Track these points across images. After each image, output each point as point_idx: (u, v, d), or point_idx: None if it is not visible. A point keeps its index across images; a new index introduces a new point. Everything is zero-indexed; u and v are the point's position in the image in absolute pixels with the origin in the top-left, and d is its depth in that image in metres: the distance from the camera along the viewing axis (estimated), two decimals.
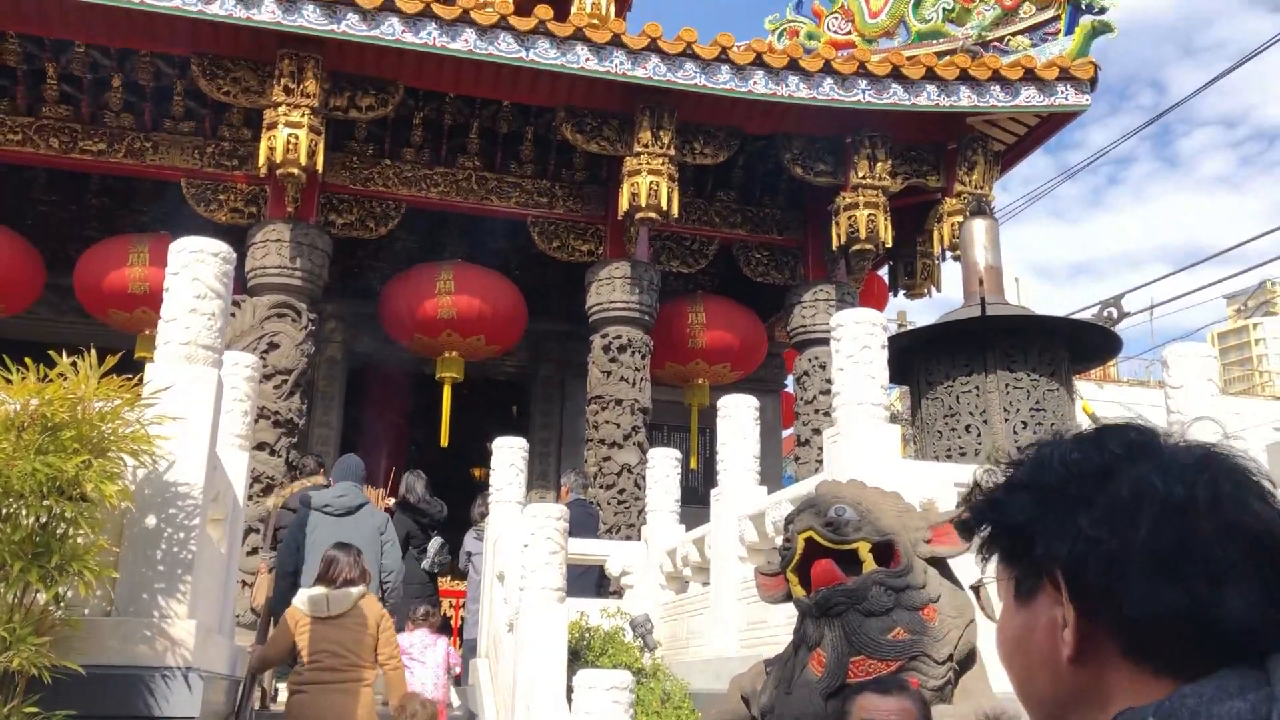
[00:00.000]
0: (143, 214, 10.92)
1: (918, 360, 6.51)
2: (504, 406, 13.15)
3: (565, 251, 10.47)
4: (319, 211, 9.72)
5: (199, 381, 4.82)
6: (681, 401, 11.50)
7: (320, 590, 5.67)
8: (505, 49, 8.94)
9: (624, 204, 9.53)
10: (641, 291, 10.03)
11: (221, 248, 5.12)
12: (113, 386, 4.45)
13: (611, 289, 10.04)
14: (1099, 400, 20.96)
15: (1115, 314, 12.95)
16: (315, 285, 9.48)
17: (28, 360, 4.44)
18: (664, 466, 8.01)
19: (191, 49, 9.06)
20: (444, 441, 10.37)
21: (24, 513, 4.22)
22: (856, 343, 5.27)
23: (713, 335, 10.94)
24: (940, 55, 9.77)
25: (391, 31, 8.79)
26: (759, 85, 9.37)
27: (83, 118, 9.68)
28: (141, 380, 4.78)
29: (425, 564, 8.64)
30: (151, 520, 4.68)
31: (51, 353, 4.45)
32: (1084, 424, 1.06)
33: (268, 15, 8.57)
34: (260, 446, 8.63)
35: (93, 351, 4.45)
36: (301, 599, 5.74)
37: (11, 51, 9.15)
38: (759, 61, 9.35)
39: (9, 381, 4.27)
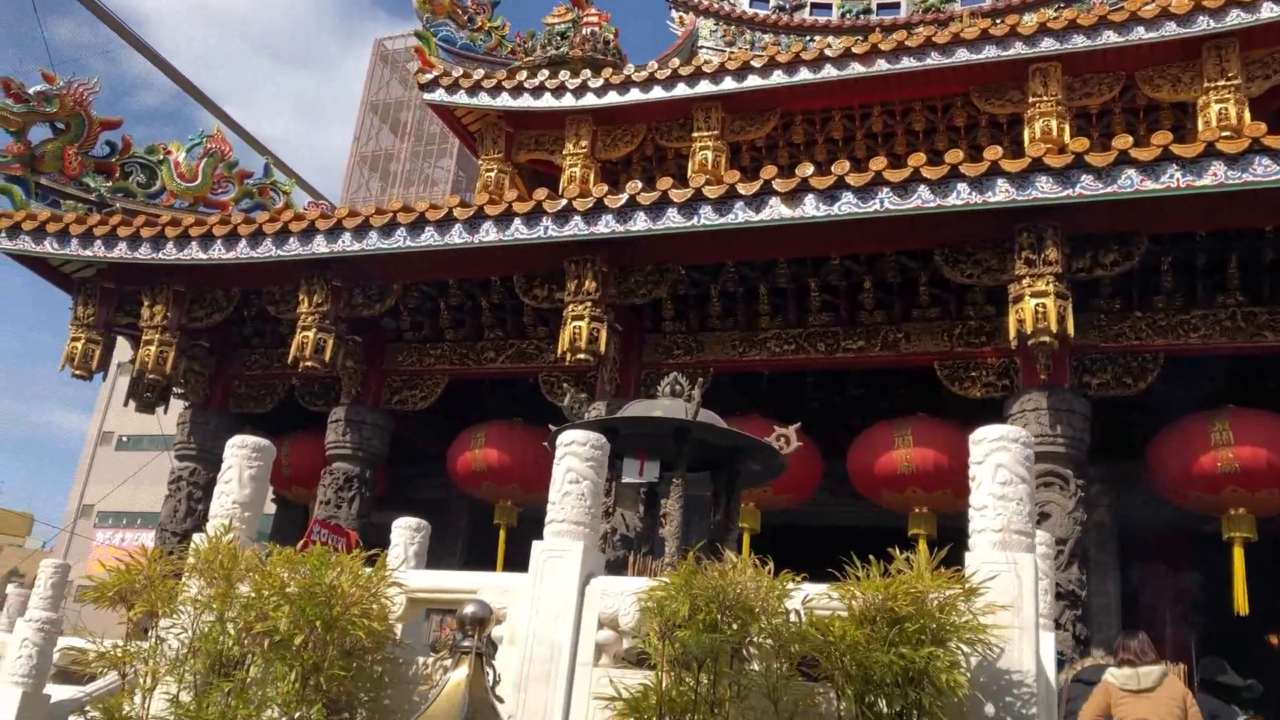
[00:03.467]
0: (898, 398, 11.70)
1: None
2: None
3: None
4: (1071, 375, 9.57)
5: (1019, 567, 4.87)
6: None
7: (1128, 669, 6.67)
8: (1263, 172, 8.20)
9: None
10: None
11: (1020, 434, 5.22)
12: (942, 579, 4.68)
13: None
14: None
15: None
16: (1079, 450, 9.26)
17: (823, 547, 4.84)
18: None
19: (932, 242, 9.68)
20: (1242, 608, 9.27)
21: (881, 702, 4.54)
22: None
23: None
24: None
25: (1129, 184, 8.56)
26: None
27: (842, 320, 10.76)
28: (951, 567, 4.95)
29: None
30: (990, 709, 4.75)
31: (891, 549, 4.83)
32: None
33: (1002, 195, 8.87)
34: None
35: (924, 545, 4.75)
36: (1112, 675, 6.72)
37: (782, 274, 10.56)
38: None
39: (858, 579, 4.70)
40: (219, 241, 11.35)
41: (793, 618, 4.87)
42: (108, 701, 5.97)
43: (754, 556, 5.19)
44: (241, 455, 6.86)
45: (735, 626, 4.91)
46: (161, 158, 12.97)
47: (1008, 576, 4.86)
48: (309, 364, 11.29)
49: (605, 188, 10.35)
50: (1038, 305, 8.83)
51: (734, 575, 4.93)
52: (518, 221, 10.36)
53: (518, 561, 8.14)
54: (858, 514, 11.70)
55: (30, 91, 12.03)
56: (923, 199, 9.09)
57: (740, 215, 9.64)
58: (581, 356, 10.35)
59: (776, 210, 9.53)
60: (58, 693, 9.82)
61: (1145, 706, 6.57)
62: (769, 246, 10.21)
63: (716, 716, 4.79)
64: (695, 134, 13.54)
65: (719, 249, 10.32)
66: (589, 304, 10.39)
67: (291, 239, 11.09)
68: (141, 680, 5.81)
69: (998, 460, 5.13)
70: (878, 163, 9.33)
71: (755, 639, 5.02)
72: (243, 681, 5.52)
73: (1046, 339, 8.81)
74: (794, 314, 10.96)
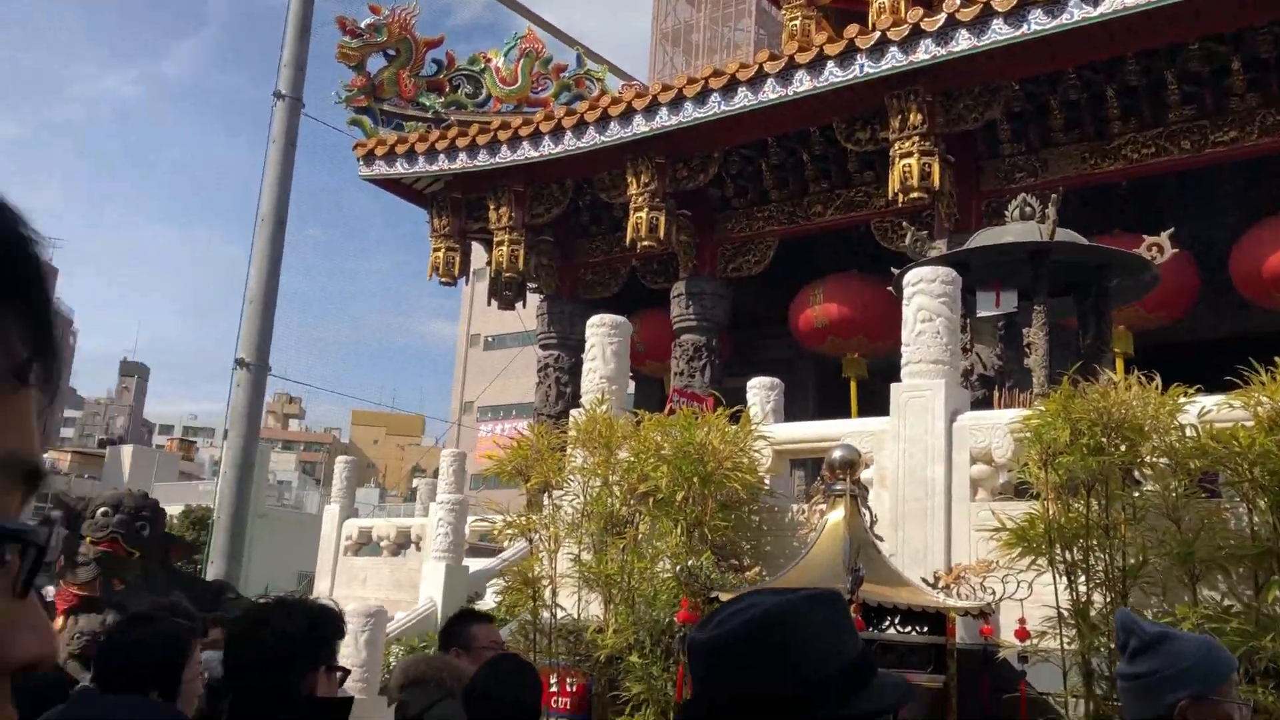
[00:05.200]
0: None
1: None
2: None
3: None
4: None
5: None
6: None
7: None
8: None
9: None
10: None
11: None
12: None
13: None
14: None
15: None
16: None
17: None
18: None
19: None
20: None
21: None
22: None
23: None
24: None
25: None
26: None
27: (1208, 111, 9.61)
28: None
29: None
30: None
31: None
32: None
33: None
34: None
35: None
36: None
37: (1132, 71, 9.55)
38: None
39: (1263, 384, 4.27)
40: (546, 137, 11.84)
41: (1188, 432, 4.52)
42: (519, 565, 6.61)
43: (1136, 375, 4.83)
44: (602, 333, 7.22)
45: (1123, 448, 4.63)
46: (483, 66, 13.63)
47: None
48: (645, 243, 11.65)
49: (920, 11, 9.74)
50: None
51: (1116, 395, 4.62)
52: (831, 65, 10.00)
53: (870, 412, 8.10)
54: (1243, 323, 10.59)
55: (362, 25, 12.98)
56: None
57: (1076, 12, 8.77)
58: (914, 195, 9.95)
59: None
60: (473, 565, 11.04)
61: None
62: (1113, 42, 9.23)
63: (1111, 539, 4.57)
64: None
65: (1055, 55, 9.46)
66: (916, 138, 9.92)
67: (612, 123, 11.37)
68: (545, 544, 6.38)
69: None
70: None
71: (1147, 459, 4.72)
72: (634, 538, 5.91)
73: None
74: (1150, 114, 9.92)
